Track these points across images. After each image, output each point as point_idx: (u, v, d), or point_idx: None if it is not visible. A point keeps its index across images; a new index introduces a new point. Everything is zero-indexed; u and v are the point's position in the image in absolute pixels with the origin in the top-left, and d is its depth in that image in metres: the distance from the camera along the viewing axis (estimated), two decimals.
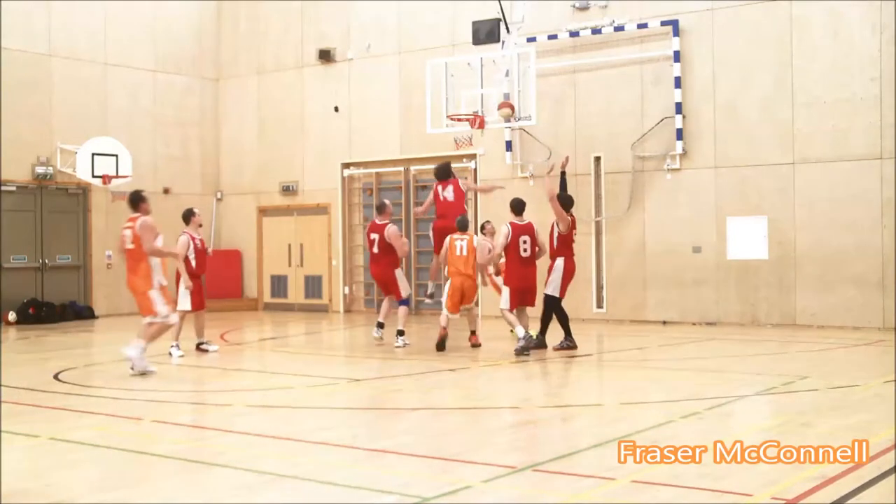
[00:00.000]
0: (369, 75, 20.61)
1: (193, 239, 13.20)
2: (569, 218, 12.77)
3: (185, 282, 12.89)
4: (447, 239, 13.09)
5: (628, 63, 17.47)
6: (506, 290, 12.52)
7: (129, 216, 11.17)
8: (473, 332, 13.36)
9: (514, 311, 12.49)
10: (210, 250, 13.83)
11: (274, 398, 9.67)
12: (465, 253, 12.87)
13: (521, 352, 12.21)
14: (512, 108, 14.82)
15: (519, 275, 12.45)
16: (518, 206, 12.68)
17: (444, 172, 13.80)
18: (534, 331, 12.76)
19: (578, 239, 17.80)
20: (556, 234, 12.70)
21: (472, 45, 16.90)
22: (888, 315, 15.15)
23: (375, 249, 13.51)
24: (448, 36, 19.33)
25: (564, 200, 12.93)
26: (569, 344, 12.79)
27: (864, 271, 15.40)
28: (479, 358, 12.34)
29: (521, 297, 12.56)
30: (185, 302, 12.95)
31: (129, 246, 10.98)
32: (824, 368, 11.20)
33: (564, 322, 12.80)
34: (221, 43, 22.92)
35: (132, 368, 10.97)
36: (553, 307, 12.73)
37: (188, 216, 13.45)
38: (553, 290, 12.66)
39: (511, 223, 12.52)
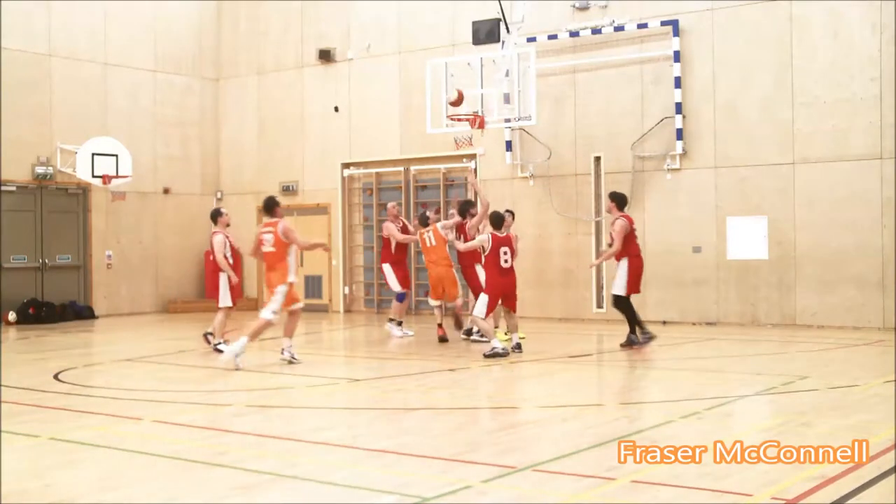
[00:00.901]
0: (369, 75, 20.61)
1: (227, 237, 13.38)
2: (623, 218, 12.87)
3: (232, 278, 13.20)
4: (419, 235, 14.40)
5: (628, 63, 17.47)
6: (484, 298, 12.48)
7: (266, 221, 11.93)
8: (440, 325, 14.28)
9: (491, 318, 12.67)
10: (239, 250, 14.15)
11: (274, 398, 9.67)
12: (434, 243, 14.02)
13: (491, 355, 12.26)
14: (459, 98, 15.03)
15: (499, 283, 12.45)
16: (497, 221, 12.74)
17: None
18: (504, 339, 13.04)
19: (579, 239, 17.94)
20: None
21: (472, 45, 16.90)
22: (888, 315, 15.15)
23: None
24: (448, 36, 19.33)
25: (620, 200, 13.12)
26: (644, 338, 12.84)
27: (864, 271, 15.40)
28: (479, 358, 12.34)
29: (503, 303, 12.65)
30: (226, 299, 13.21)
31: (271, 249, 11.74)
32: (824, 368, 11.20)
33: (632, 318, 12.90)
34: (221, 43, 22.93)
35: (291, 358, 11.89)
36: (619, 305, 12.91)
37: (216, 216, 13.69)
38: (619, 289, 12.86)
39: (492, 234, 12.56)
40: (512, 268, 12.61)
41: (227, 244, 13.24)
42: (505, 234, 12.68)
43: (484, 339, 13.05)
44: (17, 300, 18.96)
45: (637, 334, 12.93)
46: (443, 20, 19.48)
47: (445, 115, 15.64)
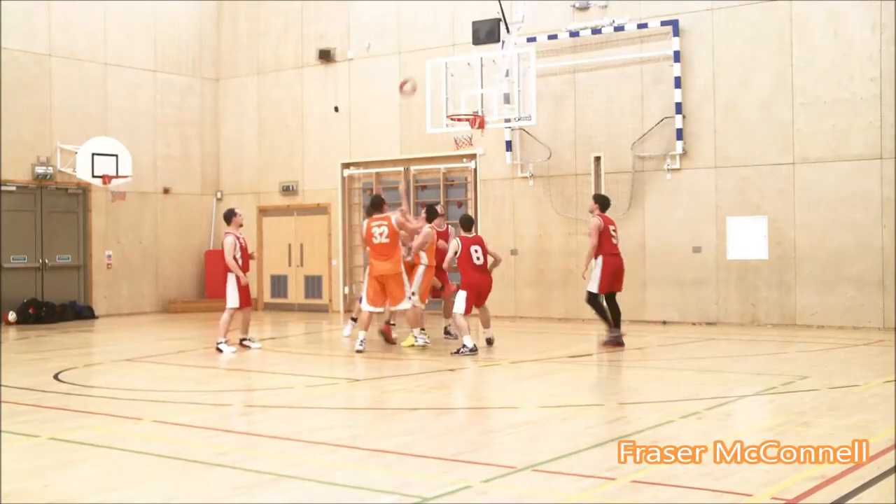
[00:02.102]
0: (369, 75, 20.61)
1: (238, 238, 13.48)
2: (597, 217, 13.22)
3: (241, 279, 13.36)
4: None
5: (628, 63, 17.47)
6: (462, 295, 12.85)
7: (376, 216, 12.96)
8: (387, 323, 13.99)
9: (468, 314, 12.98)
10: (254, 253, 14.26)
11: (274, 398, 9.68)
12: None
13: (458, 353, 12.51)
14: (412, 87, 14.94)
15: (475, 280, 12.94)
16: (466, 223, 13.25)
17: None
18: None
19: (579, 239, 17.92)
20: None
21: (472, 45, 16.90)
22: (888, 315, 15.15)
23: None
24: (448, 36, 19.32)
25: (602, 201, 13.47)
26: (611, 337, 13.11)
27: (864, 271, 15.40)
28: (479, 358, 12.35)
29: (477, 301, 13.07)
30: (233, 299, 13.36)
31: (385, 240, 12.82)
32: (824, 368, 11.20)
33: (604, 316, 13.18)
34: (221, 43, 22.93)
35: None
36: (591, 302, 13.22)
37: (229, 217, 13.85)
38: (592, 286, 13.14)
39: (460, 237, 13.08)
40: (485, 265, 13.07)
41: (238, 245, 13.35)
42: (473, 235, 13.18)
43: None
44: (17, 300, 18.96)
45: (610, 330, 13.20)
46: (443, 20, 19.48)
47: (445, 115, 15.64)
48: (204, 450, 7.10)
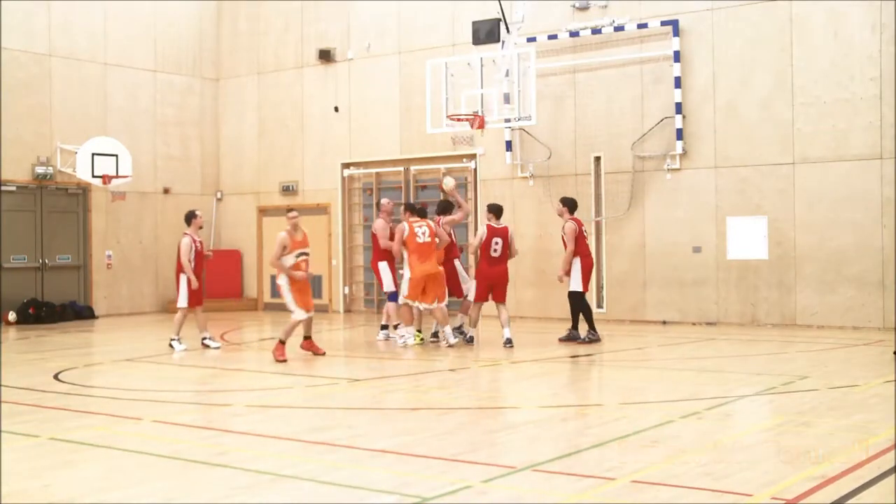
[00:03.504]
0: (369, 75, 20.61)
1: (194, 240, 13.75)
2: (572, 221, 13.75)
3: (192, 282, 13.59)
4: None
5: (628, 63, 17.46)
6: (473, 284, 13.65)
7: (414, 220, 13.36)
8: (307, 338, 13.00)
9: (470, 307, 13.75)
10: (210, 252, 14.41)
11: (274, 398, 9.68)
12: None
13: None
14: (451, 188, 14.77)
15: (487, 272, 13.45)
16: (497, 211, 13.73)
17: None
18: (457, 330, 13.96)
19: None
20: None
21: (472, 45, 16.89)
22: (888, 315, 15.15)
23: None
24: (448, 36, 19.33)
25: (570, 204, 14.00)
26: (591, 337, 13.69)
27: (864, 271, 15.40)
28: (479, 358, 12.35)
29: (491, 292, 13.50)
30: (183, 300, 13.70)
31: (427, 240, 13.23)
32: (824, 368, 11.20)
33: (588, 315, 13.80)
34: (221, 43, 22.93)
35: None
36: (574, 300, 13.78)
37: (190, 218, 14.09)
38: (575, 286, 13.68)
39: (488, 225, 13.55)
40: (502, 258, 13.47)
41: (193, 248, 13.53)
42: (501, 225, 13.56)
43: (447, 334, 13.76)
44: (17, 300, 18.95)
45: (579, 330, 13.77)
46: (443, 20, 19.48)
47: (445, 115, 15.65)
48: (204, 450, 7.10)
